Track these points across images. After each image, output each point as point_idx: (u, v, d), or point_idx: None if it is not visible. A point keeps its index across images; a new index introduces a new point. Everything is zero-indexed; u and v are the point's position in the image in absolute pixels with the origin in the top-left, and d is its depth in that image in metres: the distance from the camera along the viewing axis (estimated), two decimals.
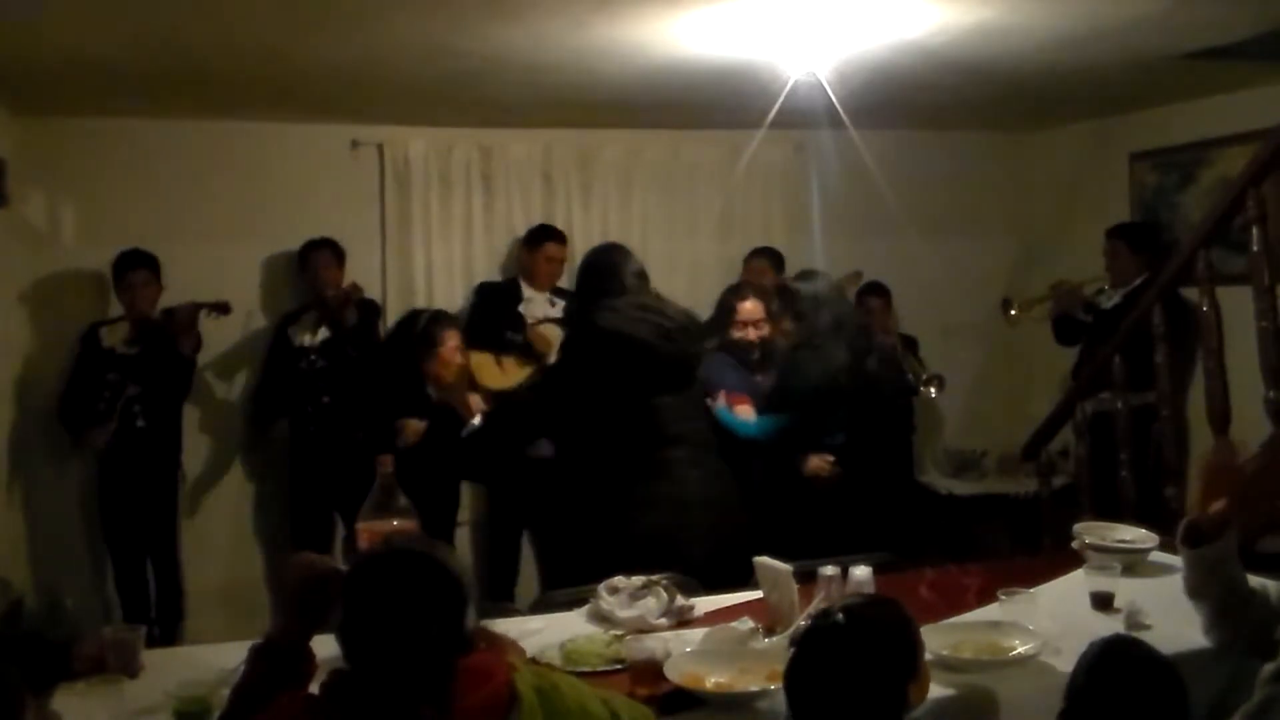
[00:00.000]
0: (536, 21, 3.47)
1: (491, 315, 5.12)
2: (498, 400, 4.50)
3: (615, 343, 3.48)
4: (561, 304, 5.17)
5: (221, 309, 4.72)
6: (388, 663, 1.68)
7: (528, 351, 4.95)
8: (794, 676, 1.83)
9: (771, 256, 5.45)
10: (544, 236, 5.26)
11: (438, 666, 1.69)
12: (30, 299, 4.94)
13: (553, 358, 4.69)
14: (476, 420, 4.24)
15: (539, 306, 5.15)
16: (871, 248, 5.72)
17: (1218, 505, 2.37)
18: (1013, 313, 5.40)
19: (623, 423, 3.49)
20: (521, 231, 5.39)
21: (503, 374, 4.91)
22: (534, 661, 2.30)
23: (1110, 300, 5.07)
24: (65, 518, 4.97)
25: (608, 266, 3.68)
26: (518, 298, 5.16)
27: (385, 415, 4.36)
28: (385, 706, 1.67)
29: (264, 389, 5.08)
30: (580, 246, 5.56)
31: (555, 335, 4.93)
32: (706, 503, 3.51)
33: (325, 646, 1.85)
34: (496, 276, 5.45)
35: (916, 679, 1.85)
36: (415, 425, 4.31)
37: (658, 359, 3.54)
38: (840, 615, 1.86)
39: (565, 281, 5.38)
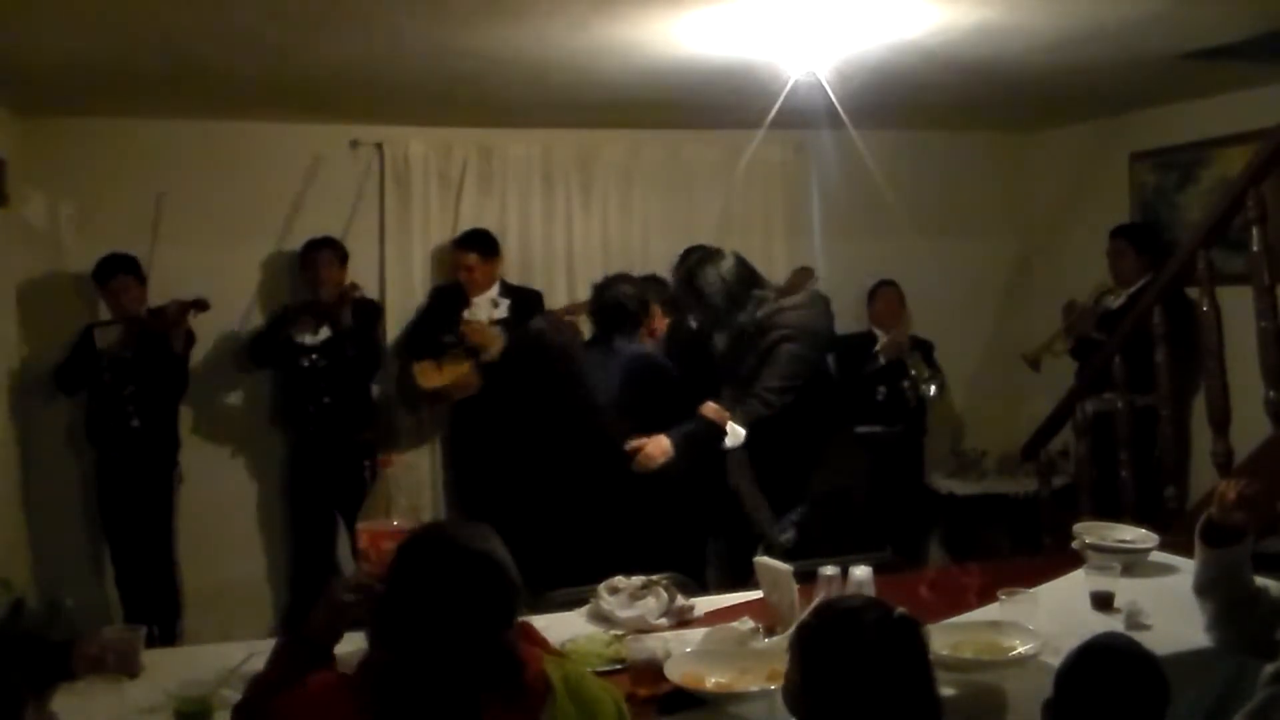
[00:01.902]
0: (536, 21, 3.47)
1: (434, 318, 5.10)
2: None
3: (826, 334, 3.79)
4: (507, 303, 5.11)
5: (200, 306, 4.72)
6: (448, 650, 1.68)
7: (466, 348, 4.94)
8: (854, 663, 1.78)
9: None
10: (457, 244, 5.16)
11: (495, 652, 1.70)
12: (30, 298, 4.94)
13: (492, 350, 4.84)
14: (742, 431, 3.55)
15: (482, 309, 5.09)
16: (871, 248, 5.73)
17: (1239, 513, 2.37)
18: (1039, 362, 5.30)
19: (827, 396, 3.79)
20: (521, 231, 5.40)
21: (439, 373, 4.95)
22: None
23: (1116, 301, 5.05)
24: (65, 517, 4.97)
25: (720, 281, 3.76)
26: (464, 300, 5.09)
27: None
28: (445, 694, 1.68)
29: (256, 345, 5.02)
30: (580, 246, 5.58)
31: (493, 331, 4.95)
32: None
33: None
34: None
35: None
36: (663, 443, 3.48)
37: None
38: (901, 609, 1.86)
39: (541, 283, 5.34)
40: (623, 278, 4.26)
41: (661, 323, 4.29)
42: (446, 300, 5.14)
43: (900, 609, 1.85)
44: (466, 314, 5.06)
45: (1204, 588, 2.43)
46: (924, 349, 5.50)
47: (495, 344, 4.88)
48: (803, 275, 5.40)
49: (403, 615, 1.71)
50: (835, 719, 1.76)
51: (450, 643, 1.68)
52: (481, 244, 5.16)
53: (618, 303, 3.95)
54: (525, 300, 5.15)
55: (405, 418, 5.29)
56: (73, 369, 4.72)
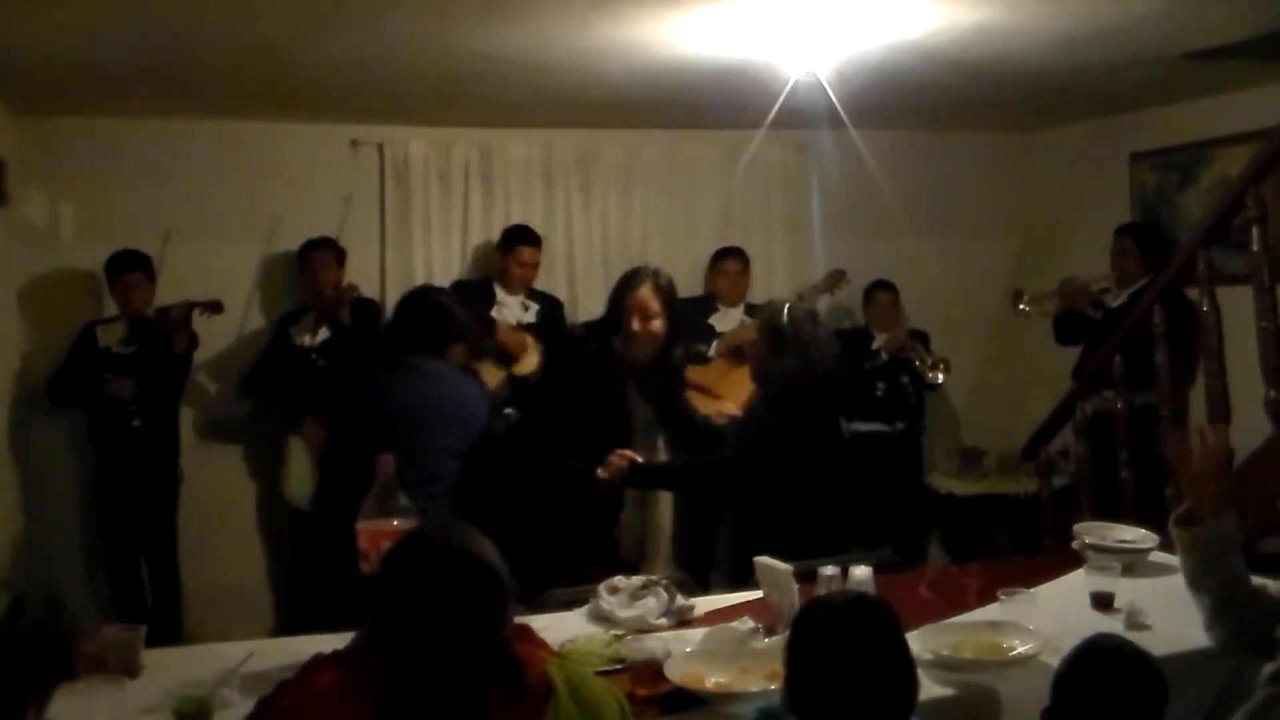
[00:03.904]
0: (536, 21, 3.47)
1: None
2: None
3: None
4: (536, 308, 5.09)
5: (213, 308, 4.72)
6: (442, 651, 1.68)
7: (501, 357, 4.83)
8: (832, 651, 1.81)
9: (743, 257, 5.44)
10: (517, 240, 5.13)
11: (492, 652, 1.71)
12: (30, 298, 4.95)
13: (531, 359, 4.72)
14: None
15: (512, 311, 5.06)
16: (872, 248, 5.72)
17: (1207, 492, 2.37)
18: (1022, 306, 5.28)
19: None
20: None
21: None
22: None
23: (1116, 299, 5.04)
24: (65, 518, 4.97)
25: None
26: (491, 299, 5.05)
27: None
28: (447, 694, 1.68)
29: (256, 374, 5.02)
30: (580, 247, 5.58)
31: (526, 337, 4.89)
32: None
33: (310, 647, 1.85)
34: (471, 276, 5.36)
35: None
36: None
37: None
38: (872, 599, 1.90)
39: (541, 283, 5.31)
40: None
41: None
42: (471, 297, 5.08)
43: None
44: (494, 312, 5.00)
45: (1194, 579, 2.42)
46: (922, 339, 5.50)
47: (529, 354, 4.80)
48: (835, 277, 5.40)
49: (394, 618, 1.71)
50: (819, 701, 1.79)
51: (442, 643, 1.68)
52: (536, 238, 5.17)
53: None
54: (551, 307, 5.14)
55: None
56: (68, 378, 4.70)
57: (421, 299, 3.72)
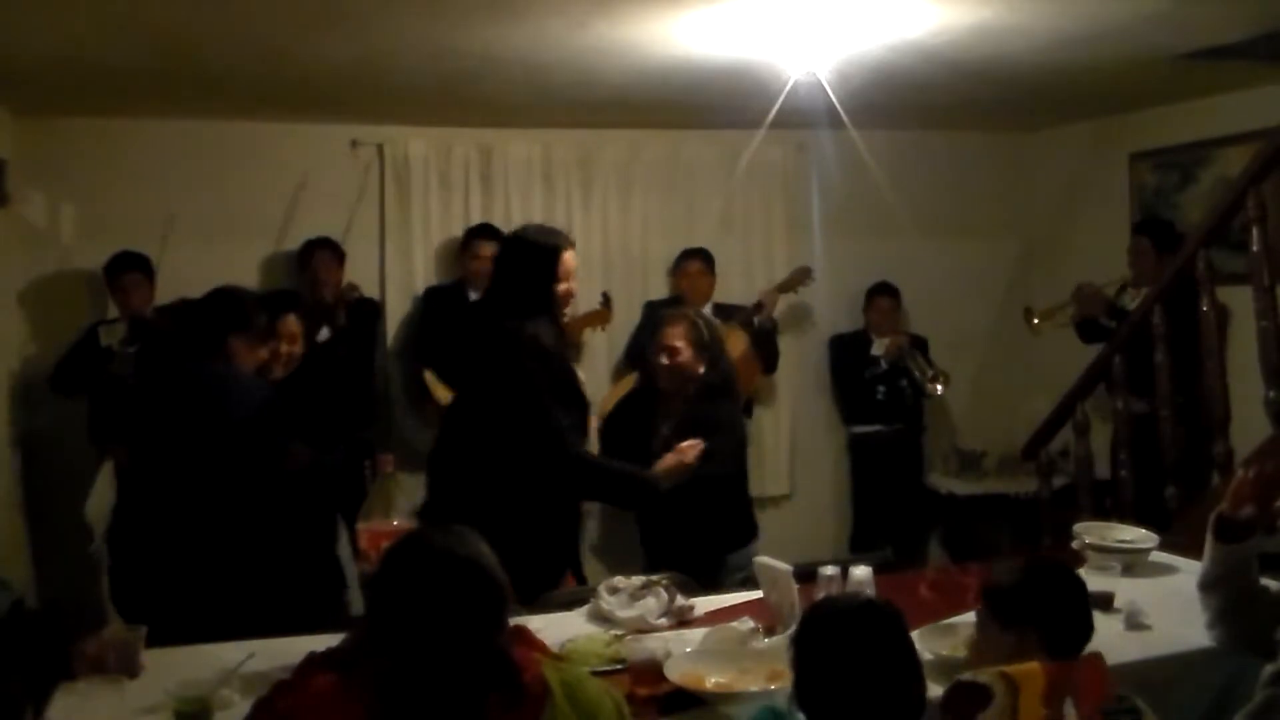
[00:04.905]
0: (536, 21, 3.47)
1: (441, 320, 4.99)
2: None
3: None
4: None
5: None
6: (438, 656, 1.68)
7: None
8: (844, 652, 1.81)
9: (706, 259, 5.42)
10: (473, 235, 5.09)
11: (488, 656, 1.70)
12: (30, 299, 4.95)
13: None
14: None
15: None
16: (872, 248, 5.73)
17: (1249, 508, 2.36)
18: (1035, 321, 5.26)
19: None
20: None
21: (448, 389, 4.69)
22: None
23: (1133, 300, 5.00)
24: (65, 517, 4.96)
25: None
26: (464, 301, 5.02)
27: None
28: (444, 698, 1.68)
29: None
30: (581, 247, 5.53)
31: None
32: None
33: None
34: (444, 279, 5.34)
35: None
36: None
37: None
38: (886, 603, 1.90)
39: None
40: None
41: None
42: (444, 301, 5.10)
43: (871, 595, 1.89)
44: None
45: (1210, 583, 2.42)
46: (920, 346, 5.50)
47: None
48: (800, 274, 5.41)
49: (390, 621, 1.71)
50: (829, 707, 1.78)
51: (439, 648, 1.68)
52: (498, 235, 5.14)
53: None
54: None
55: (406, 420, 5.27)
56: (71, 368, 4.71)
57: (206, 297, 3.38)
